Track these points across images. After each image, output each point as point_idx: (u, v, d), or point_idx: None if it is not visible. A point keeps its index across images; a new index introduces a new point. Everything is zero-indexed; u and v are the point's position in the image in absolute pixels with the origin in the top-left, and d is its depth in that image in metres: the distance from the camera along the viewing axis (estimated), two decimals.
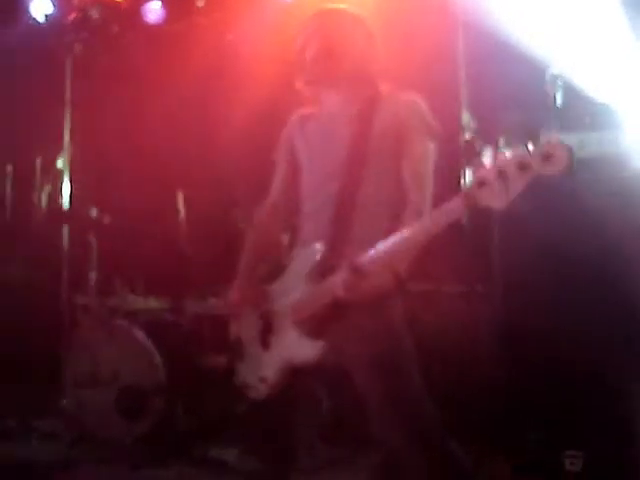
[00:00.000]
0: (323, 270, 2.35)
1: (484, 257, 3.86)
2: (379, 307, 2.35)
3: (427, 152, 2.46)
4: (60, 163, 5.16)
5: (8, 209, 5.56)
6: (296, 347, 2.39)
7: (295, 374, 2.42)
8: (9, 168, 5.62)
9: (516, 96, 4.37)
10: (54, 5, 5.83)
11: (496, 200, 2.00)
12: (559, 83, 4.15)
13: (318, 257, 2.37)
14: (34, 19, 5.83)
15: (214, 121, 5.08)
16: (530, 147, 1.96)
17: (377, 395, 2.34)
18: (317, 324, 2.36)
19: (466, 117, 4.63)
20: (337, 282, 2.24)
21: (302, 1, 5.20)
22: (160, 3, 5.78)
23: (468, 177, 4.70)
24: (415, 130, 2.44)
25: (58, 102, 5.54)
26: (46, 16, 5.82)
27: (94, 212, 4.60)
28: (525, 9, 4.34)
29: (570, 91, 4.19)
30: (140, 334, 4.16)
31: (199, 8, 5.57)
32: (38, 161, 5.38)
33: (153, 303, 4.71)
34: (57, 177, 5.19)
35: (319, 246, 2.38)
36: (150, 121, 5.38)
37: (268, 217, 2.74)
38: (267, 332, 2.50)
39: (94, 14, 5.65)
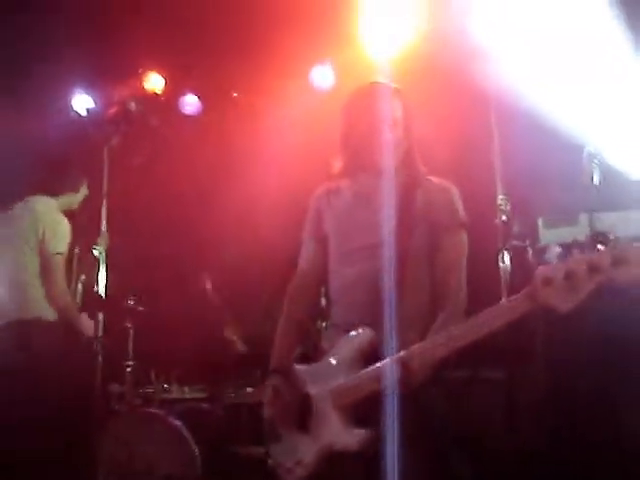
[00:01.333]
0: (369, 356, 2.30)
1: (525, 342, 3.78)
2: (417, 394, 2.26)
3: (460, 243, 2.47)
4: (96, 252, 5.20)
5: None
6: (338, 433, 2.31)
7: (334, 460, 2.33)
8: None
9: (553, 176, 4.36)
10: (95, 101, 6.04)
11: (562, 301, 1.94)
12: (596, 161, 4.13)
13: (364, 343, 2.32)
14: (76, 113, 6.03)
15: (247, 206, 5.12)
16: (602, 248, 1.93)
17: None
18: (360, 411, 2.30)
19: (502, 199, 4.60)
20: (384, 373, 2.19)
21: (338, 90, 5.34)
22: (196, 96, 5.96)
23: (507, 261, 4.64)
24: (447, 221, 2.46)
25: (96, 192, 5.66)
26: (87, 110, 6.02)
27: (131, 300, 4.59)
28: (560, 88, 4.37)
29: (608, 169, 4.17)
30: (176, 423, 4.07)
31: (234, 97, 5.71)
32: (76, 250, 5.43)
33: (188, 392, 4.63)
34: (93, 266, 5.22)
35: (362, 332, 2.34)
36: (186, 211, 5.45)
37: (298, 294, 2.70)
38: (305, 415, 2.42)
39: (133, 107, 5.82)
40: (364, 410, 2.29)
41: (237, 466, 4.16)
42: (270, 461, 2.52)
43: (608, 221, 4.17)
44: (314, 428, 2.38)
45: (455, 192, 2.53)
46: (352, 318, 2.44)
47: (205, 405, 4.52)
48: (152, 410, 4.30)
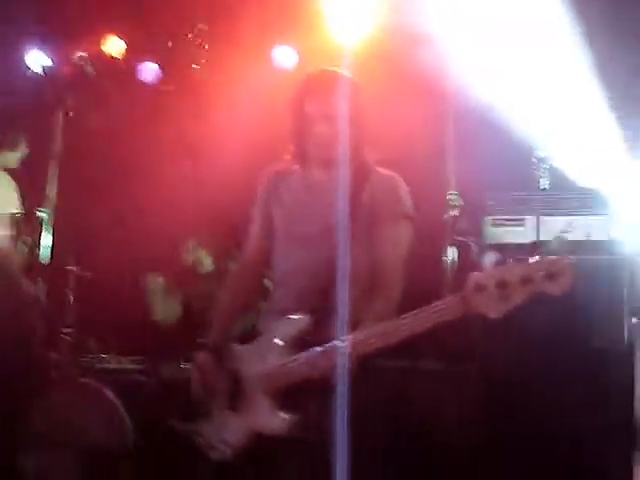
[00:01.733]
0: (302, 343, 2.30)
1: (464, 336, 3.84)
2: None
3: (399, 235, 2.45)
4: (40, 214, 5.11)
5: None
6: (265, 417, 2.33)
7: (260, 442, 2.35)
8: None
9: (504, 176, 4.42)
10: (52, 60, 5.90)
11: (492, 309, 1.97)
12: (545, 166, 4.22)
13: (299, 329, 2.33)
14: (31, 70, 5.87)
15: (200, 178, 5.08)
16: (535, 261, 1.95)
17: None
18: (290, 396, 2.31)
19: (453, 195, 4.67)
20: (317, 360, 2.21)
21: (300, 71, 5.31)
22: (157, 64, 5.86)
23: (451, 256, 4.71)
24: (388, 212, 2.44)
25: (42, 152, 5.55)
26: (43, 68, 5.87)
27: (74, 268, 4.53)
28: (514, 92, 4.43)
29: (557, 175, 4.26)
30: (110, 394, 4.05)
31: (195, 70, 5.64)
32: (19, 211, 5.33)
33: (126, 363, 4.61)
34: (37, 229, 5.13)
35: (300, 317, 2.34)
36: (134, 179, 5.39)
37: (240, 275, 2.70)
38: (236, 395, 2.42)
39: (90, 69, 5.70)
40: (293, 395, 2.31)
41: (169, 441, 4.16)
42: (198, 438, 2.52)
43: (554, 225, 4.28)
44: (243, 409, 2.40)
45: (401, 182, 2.51)
46: (290, 304, 2.42)
47: (141, 377, 4.50)
48: (87, 380, 4.26)
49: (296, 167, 2.60)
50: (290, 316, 2.37)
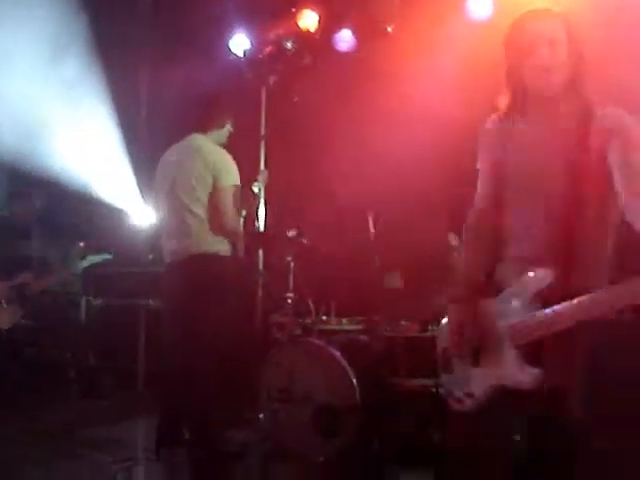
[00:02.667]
0: (550, 297, 2.26)
1: None
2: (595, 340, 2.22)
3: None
4: (256, 188, 5.38)
5: None
6: (511, 370, 2.34)
7: (504, 396, 2.35)
8: None
9: None
10: (251, 41, 6.17)
11: None
12: None
13: (546, 283, 2.28)
14: (234, 54, 6.19)
15: (405, 141, 5.08)
16: None
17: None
18: (538, 351, 2.29)
19: None
20: (566, 315, 2.18)
21: (495, 19, 5.15)
22: (350, 32, 5.94)
23: None
24: (627, 136, 2.30)
25: (254, 130, 5.83)
26: (244, 51, 6.16)
27: (291, 233, 4.72)
28: None
29: None
30: (336, 353, 4.20)
31: (389, 33, 5.64)
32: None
33: (346, 324, 4.75)
34: (253, 202, 5.41)
35: (545, 272, 2.29)
36: (342, 145, 5.50)
37: (477, 225, 2.63)
38: (480, 349, 2.44)
39: (288, 46, 5.90)
40: (540, 350, 2.29)
41: (394, 398, 4.26)
42: (441, 390, 2.59)
43: None
44: (487, 362, 2.41)
45: (630, 118, 2.35)
46: (529, 253, 2.39)
47: (362, 337, 4.62)
48: (313, 340, 4.45)
49: (516, 114, 2.52)
50: (535, 271, 2.32)
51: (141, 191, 6.68)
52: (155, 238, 5.97)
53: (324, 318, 4.74)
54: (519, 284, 2.37)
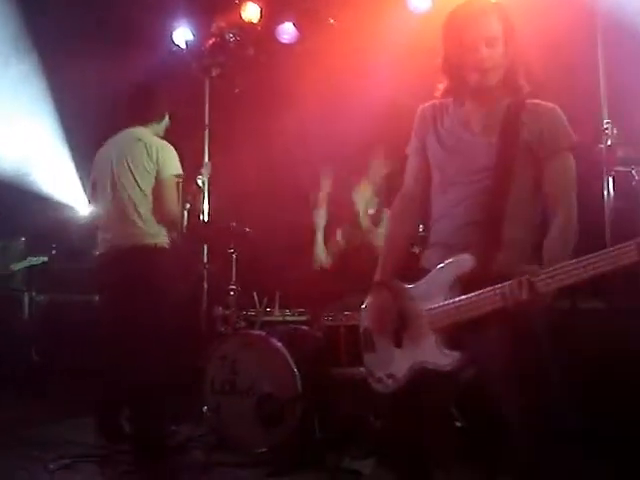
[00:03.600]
0: (471, 281, 2.32)
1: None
2: (525, 319, 2.26)
3: (568, 165, 2.40)
4: (200, 181, 5.37)
5: None
6: (431, 353, 2.39)
7: (424, 379, 2.41)
8: None
9: None
10: (194, 33, 6.14)
11: None
12: None
13: (468, 268, 2.34)
14: (176, 46, 6.16)
15: (345, 132, 5.12)
16: None
17: (514, 408, 2.27)
18: (456, 334, 2.35)
19: (607, 123, 4.47)
20: (499, 294, 2.21)
21: (436, 12, 5.22)
22: (292, 24, 5.95)
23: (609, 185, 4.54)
24: (556, 142, 2.40)
25: (197, 123, 5.80)
26: (186, 43, 6.13)
27: (233, 225, 4.73)
28: None
29: None
30: (277, 344, 4.23)
31: (331, 25, 5.68)
32: (179, 180, 5.62)
33: (289, 316, 4.78)
34: (197, 194, 5.41)
35: (466, 258, 2.35)
36: (285, 136, 5.52)
37: (403, 209, 2.68)
38: (401, 330, 2.49)
39: (230, 38, 5.89)
40: (460, 334, 2.35)
41: (334, 386, 4.29)
42: (362, 369, 2.62)
43: None
44: (409, 344, 2.46)
45: (561, 113, 2.45)
46: (452, 239, 2.45)
47: (304, 327, 4.65)
48: (255, 331, 4.47)
49: (449, 101, 2.59)
50: (454, 256, 2.37)
51: (84, 185, 6.60)
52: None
53: (268, 310, 4.76)
54: (441, 269, 2.42)
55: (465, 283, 2.34)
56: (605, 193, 4.62)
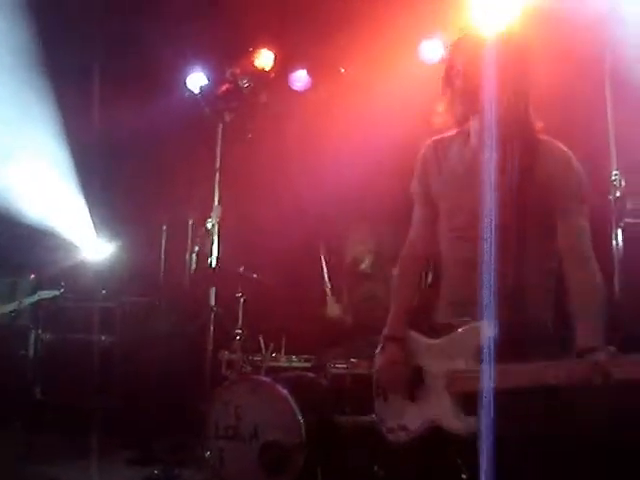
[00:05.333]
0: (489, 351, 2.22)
1: None
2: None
3: (585, 224, 2.30)
4: (209, 224, 5.40)
5: (162, 266, 5.87)
6: (446, 415, 2.33)
7: (440, 436, 2.36)
8: (164, 227, 5.97)
9: None
10: (208, 78, 6.23)
11: None
12: None
13: (492, 335, 2.21)
14: (190, 91, 6.24)
15: (358, 179, 5.15)
16: None
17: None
18: (475, 400, 2.23)
19: (615, 174, 4.47)
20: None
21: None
22: (305, 71, 6.04)
23: (618, 236, 4.52)
24: (573, 196, 2.29)
25: (209, 167, 5.86)
26: (200, 88, 6.22)
27: (241, 270, 4.74)
28: None
29: None
30: (283, 391, 4.19)
31: (343, 74, 5.75)
32: (190, 222, 5.67)
33: (295, 362, 4.75)
34: (206, 237, 5.44)
35: (490, 325, 2.23)
36: (295, 183, 5.56)
37: (409, 263, 2.61)
38: (415, 386, 2.44)
39: (244, 84, 5.98)
40: (477, 400, 2.22)
41: (340, 435, 4.25)
42: (374, 416, 2.57)
43: None
44: (423, 400, 2.41)
45: (576, 160, 2.33)
46: (467, 296, 2.32)
47: (310, 374, 4.62)
48: (260, 377, 4.44)
49: (454, 135, 2.46)
50: (483, 321, 2.26)
51: (95, 225, 6.64)
52: (108, 273, 5.95)
53: (274, 355, 4.73)
54: (465, 331, 2.33)
55: (486, 352, 2.23)
56: (614, 244, 4.60)
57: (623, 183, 4.39)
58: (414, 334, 2.50)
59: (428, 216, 2.54)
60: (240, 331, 4.71)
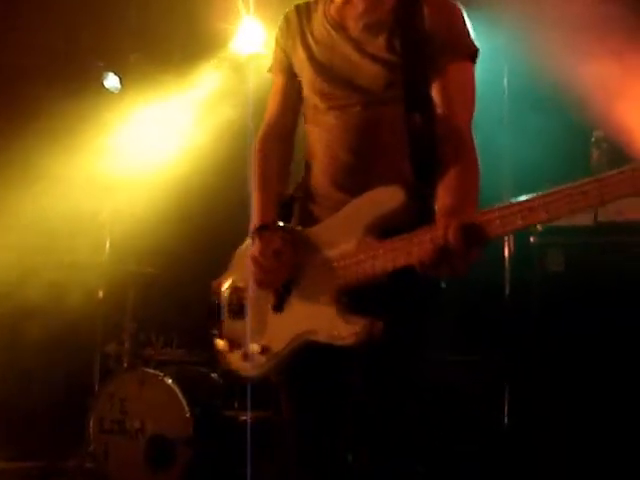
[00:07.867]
0: (386, 224, 1.78)
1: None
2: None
3: (468, 77, 1.93)
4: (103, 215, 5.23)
5: None
6: (328, 319, 1.78)
7: (310, 355, 1.85)
8: None
9: None
10: None
11: None
12: None
13: (386, 208, 1.77)
14: None
15: None
16: None
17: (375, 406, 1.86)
18: (365, 294, 1.77)
19: None
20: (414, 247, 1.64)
21: None
22: None
23: None
24: (452, 46, 1.90)
25: None
26: None
27: (133, 264, 4.66)
28: None
29: None
30: (171, 384, 4.12)
31: None
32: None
33: (187, 356, 4.68)
34: (99, 229, 5.26)
35: (388, 190, 1.78)
36: None
37: (269, 143, 2.12)
38: (288, 288, 1.90)
39: None
40: (369, 294, 1.77)
41: (229, 431, 4.21)
42: (217, 341, 2.10)
43: None
44: (295, 306, 1.88)
45: (464, 12, 1.95)
46: (336, 178, 1.95)
47: (202, 369, 4.56)
48: (147, 370, 4.34)
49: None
50: (361, 196, 1.84)
51: None
52: None
53: (164, 349, 4.64)
54: (353, 206, 1.86)
55: (383, 227, 1.77)
56: None
57: None
58: (286, 224, 2.01)
59: (288, 86, 2.11)
60: (130, 323, 4.60)
